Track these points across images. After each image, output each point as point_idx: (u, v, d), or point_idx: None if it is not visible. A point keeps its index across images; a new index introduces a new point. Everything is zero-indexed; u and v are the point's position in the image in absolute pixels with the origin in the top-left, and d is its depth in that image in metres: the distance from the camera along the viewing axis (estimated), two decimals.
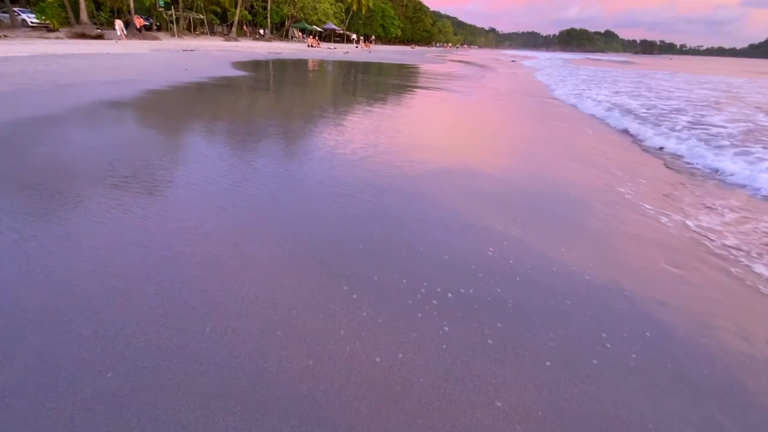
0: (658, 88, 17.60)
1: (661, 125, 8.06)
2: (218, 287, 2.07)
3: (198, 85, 9.85)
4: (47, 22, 27.30)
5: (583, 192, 4.11)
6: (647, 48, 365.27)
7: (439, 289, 2.19)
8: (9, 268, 2.11)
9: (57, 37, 23.91)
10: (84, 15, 27.95)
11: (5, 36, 21.77)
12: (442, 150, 5.42)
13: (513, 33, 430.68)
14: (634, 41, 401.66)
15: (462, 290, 2.20)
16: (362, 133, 5.84)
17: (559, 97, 13.02)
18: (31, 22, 27.75)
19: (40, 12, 27.52)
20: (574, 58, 75.12)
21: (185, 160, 4.21)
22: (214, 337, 1.72)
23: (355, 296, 2.08)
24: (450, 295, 2.15)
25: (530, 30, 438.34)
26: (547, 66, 36.55)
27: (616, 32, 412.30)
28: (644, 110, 10.26)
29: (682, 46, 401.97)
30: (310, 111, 7.75)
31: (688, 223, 3.49)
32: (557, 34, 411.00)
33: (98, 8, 32.82)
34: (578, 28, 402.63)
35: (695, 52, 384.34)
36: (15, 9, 28.40)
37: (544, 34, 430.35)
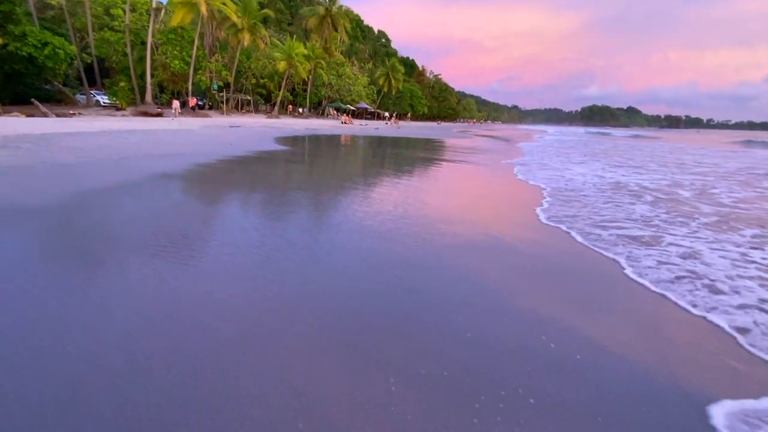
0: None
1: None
2: (240, 368, 1.99)
3: (241, 158, 10.63)
4: (117, 102, 31.24)
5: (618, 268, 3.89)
6: (673, 122, 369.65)
7: (502, 392, 2.00)
8: (40, 337, 2.15)
9: (123, 115, 27.07)
10: (149, 96, 31.81)
11: (80, 114, 24.88)
12: (470, 222, 5.41)
13: (535, 109, 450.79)
14: (658, 116, 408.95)
15: (520, 387, 2.01)
16: (391, 205, 5.97)
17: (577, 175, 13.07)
18: (104, 102, 31.83)
19: (112, 94, 31.64)
20: (597, 132, 76.99)
21: (221, 231, 4.39)
22: (232, 426, 1.62)
23: (387, 388, 1.93)
24: (503, 392, 1.96)
25: (552, 107, 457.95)
26: (571, 138, 37.42)
27: (638, 108, 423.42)
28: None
29: (709, 120, 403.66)
30: (342, 183, 8.10)
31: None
32: (579, 110, 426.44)
33: (161, 91, 37.38)
34: (600, 104, 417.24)
35: (723, 126, 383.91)
36: (92, 92, 32.82)
37: (566, 110, 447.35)
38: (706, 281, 3.59)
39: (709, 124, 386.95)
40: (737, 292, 3.38)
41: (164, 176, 7.22)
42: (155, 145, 11.79)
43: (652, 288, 3.41)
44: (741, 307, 3.12)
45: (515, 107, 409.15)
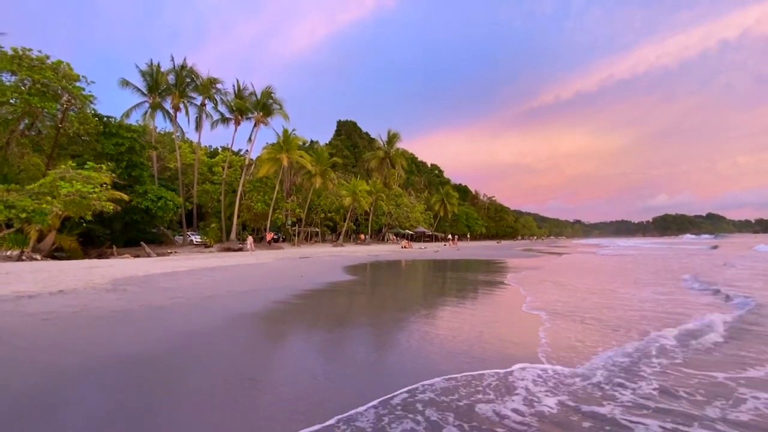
0: None
1: None
2: None
3: (310, 292, 11.00)
4: (206, 240, 35.67)
5: None
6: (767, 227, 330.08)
7: None
8: None
9: (210, 251, 30.47)
10: (233, 234, 36.09)
11: (176, 252, 28.45)
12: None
13: (600, 222, 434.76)
14: (747, 221, 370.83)
15: None
16: (454, 342, 5.47)
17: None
18: (195, 241, 36.53)
19: (204, 234, 36.40)
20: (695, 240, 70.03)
21: (284, 378, 4.21)
22: None
23: None
24: None
25: (618, 219, 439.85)
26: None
27: (721, 214, 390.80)
28: None
29: None
30: (402, 315, 7.81)
31: None
32: (651, 220, 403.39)
33: (243, 228, 42.40)
34: (673, 213, 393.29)
35: None
36: (188, 232, 38.12)
37: (636, 221, 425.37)
38: None
39: None
40: None
41: (242, 317, 7.54)
42: (236, 281, 12.76)
43: None
44: None
45: (578, 221, 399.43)
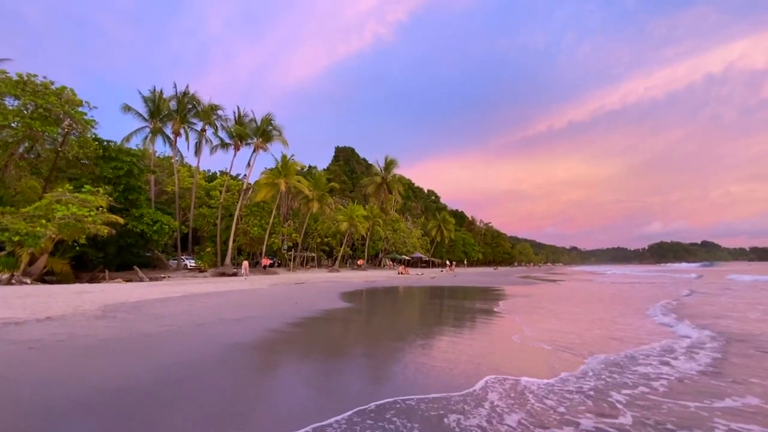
0: None
1: None
2: None
3: (304, 320, 10.81)
4: (201, 264, 35.26)
5: None
6: (762, 255, 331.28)
7: None
8: None
9: (204, 276, 30.09)
10: (228, 258, 35.75)
11: (169, 277, 28.06)
12: None
13: (597, 249, 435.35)
14: (742, 249, 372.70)
15: None
16: (451, 375, 5.33)
17: None
18: (189, 266, 36.09)
19: (199, 258, 36.01)
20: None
21: (275, 413, 4.07)
22: None
23: None
24: None
25: (615, 246, 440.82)
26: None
27: (716, 242, 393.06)
28: None
29: None
30: (398, 345, 7.64)
31: None
32: (647, 247, 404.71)
33: (239, 253, 42.05)
34: (668, 241, 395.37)
35: None
36: (183, 256, 37.71)
37: (632, 249, 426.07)
38: None
39: None
40: None
41: (234, 347, 7.35)
42: (228, 308, 12.52)
43: None
44: None
45: (574, 248, 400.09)
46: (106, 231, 20.60)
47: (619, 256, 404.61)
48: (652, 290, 23.37)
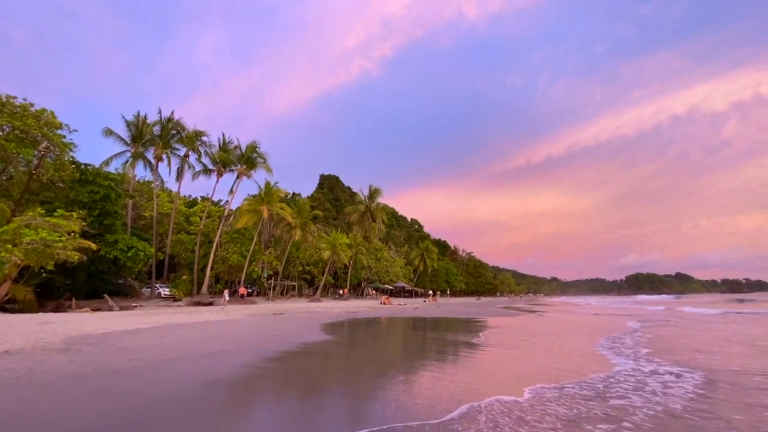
0: None
1: None
2: None
3: (282, 354, 10.44)
4: (175, 293, 33.96)
5: None
6: (734, 287, 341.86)
7: None
8: None
9: (178, 305, 28.92)
10: (205, 287, 34.61)
11: (141, 306, 26.87)
12: None
13: (577, 280, 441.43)
14: (714, 281, 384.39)
15: None
16: (432, 412, 5.19)
17: None
18: (164, 294, 34.72)
19: (174, 287, 34.73)
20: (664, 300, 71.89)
21: None
22: None
23: None
24: None
25: (594, 277, 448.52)
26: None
27: (689, 274, 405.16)
28: None
29: None
30: (378, 382, 7.43)
31: None
32: (624, 279, 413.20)
33: (217, 281, 40.83)
34: (644, 272, 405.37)
35: None
36: (157, 284, 36.33)
37: (610, 280, 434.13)
38: None
39: None
40: None
41: (206, 384, 6.99)
42: (202, 340, 12.00)
43: None
44: None
45: (555, 279, 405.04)
46: (76, 257, 19.74)
47: (598, 287, 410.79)
48: (620, 322, 23.69)
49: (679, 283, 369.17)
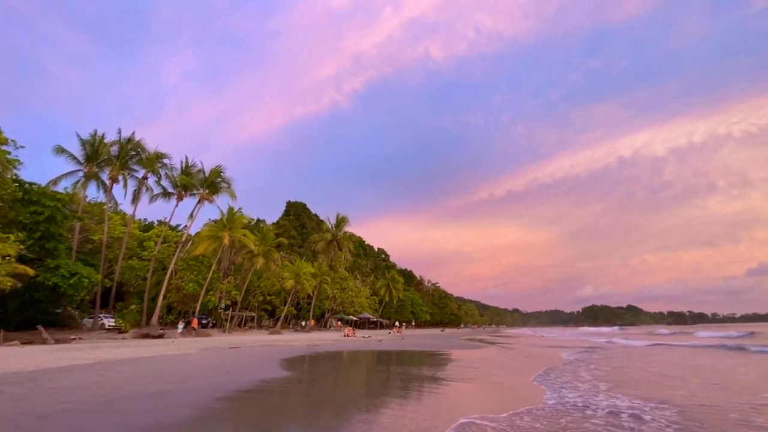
0: None
1: None
2: None
3: (236, 393, 9.82)
4: (121, 324, 31.41)
5: None
6: (679, 319, 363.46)
7: None
8: None
9: (124, 338, 26.71)
10: (155, 318, 32.32)
11: (80, 338, 24.57)
12: None
13: (536, 312, 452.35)
14: (661, 313, 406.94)
15: None
16: None
17: None
18: (108, 325, 32.03)
19: (120, 317, 32.17)
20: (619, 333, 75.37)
21: None
22: None
23: None
24: None
25: (552, 308, 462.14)
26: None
27: (639, 306, 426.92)
28: None
29: (714, 314, 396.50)
30: (337, 422, 7.13)
31: None
32: (581, 310, 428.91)
33: (169, 311, 38.29)
34: (599, 305, 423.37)
35: (730, 319, 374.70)
36: (101, 314, 33.52)
37: (568, 311, 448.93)
38: None
39: (715, 319, 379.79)
40: None
41: (149, 429, 6.40)
42: (148, 378, 11.07)
43: None
44: None
45: (516, 310, 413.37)
46: (9, 284, 17.98)
47: (556, 318, 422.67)
48: (564, 354, 24.44)
49: (631, 315, 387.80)
